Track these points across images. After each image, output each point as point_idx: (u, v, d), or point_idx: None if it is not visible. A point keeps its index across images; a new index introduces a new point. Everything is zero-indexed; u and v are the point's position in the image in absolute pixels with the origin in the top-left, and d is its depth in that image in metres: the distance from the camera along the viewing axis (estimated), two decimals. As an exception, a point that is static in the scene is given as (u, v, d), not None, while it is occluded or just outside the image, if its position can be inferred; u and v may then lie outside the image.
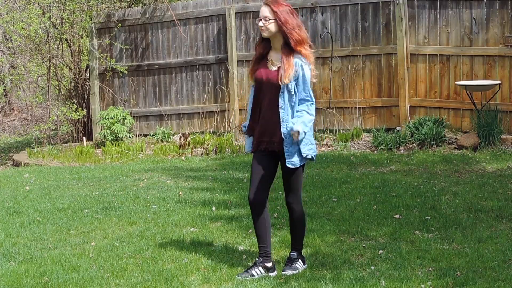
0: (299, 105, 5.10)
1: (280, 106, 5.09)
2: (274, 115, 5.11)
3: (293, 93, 5.07)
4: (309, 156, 5.12)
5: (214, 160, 10.48)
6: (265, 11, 5.08)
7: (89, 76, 13.04)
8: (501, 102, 10.08)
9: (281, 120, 5.09)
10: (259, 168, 5.20)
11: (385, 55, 11.02)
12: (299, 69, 5.05)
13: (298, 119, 5.03)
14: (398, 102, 10.89)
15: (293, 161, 5.08)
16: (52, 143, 13.04)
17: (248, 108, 5.34)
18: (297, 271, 5.23)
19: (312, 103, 5.11)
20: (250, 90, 5.38)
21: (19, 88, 16.50)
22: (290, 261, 5.30)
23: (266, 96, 5.15)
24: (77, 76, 13.36)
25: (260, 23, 5.08)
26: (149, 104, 12.78)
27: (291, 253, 5.33)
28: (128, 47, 12.77)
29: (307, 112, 5.08)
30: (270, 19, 5.05)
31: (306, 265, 5.34)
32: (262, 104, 5.19)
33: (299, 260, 5.32)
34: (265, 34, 5.10)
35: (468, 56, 10.39)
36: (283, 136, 5.08)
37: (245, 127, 5.36)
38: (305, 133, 5.01)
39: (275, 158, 5.21)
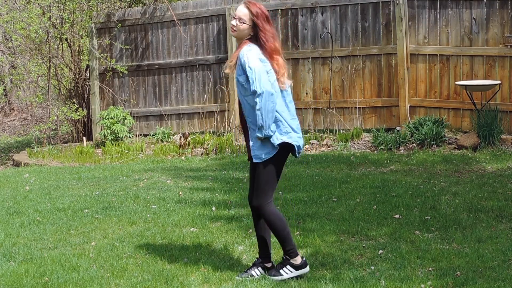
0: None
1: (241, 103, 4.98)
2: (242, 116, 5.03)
3: (245, 86, 4.89)
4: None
5: (214, 160, 10.48)
6: (242, 12, 4.89)
7: (89, 76, 13.04)
8: (501, 102, 10.08)
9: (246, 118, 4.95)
10: (252, 170, 5.20)
11: (385, 55, 11.02)
12: (242, 58, 4.84)
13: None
14: (398, 102, 10.89)
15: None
16: (52, 143, 13.05)
17: None
18: (280, 277, 5.04)
19: (259, 94, 4.76)
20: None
21: (19, 88, 16.50)
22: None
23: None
24: (77, 76, 13.37)
25: (233, 22, 4.91)
26: (149, 104, 12.78)
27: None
28: (128, 47, 12.77)
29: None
30: (244, 22, 4.88)
31: (297, 271, 5.03)
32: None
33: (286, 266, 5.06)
34: (233, 34, 4.96)
35: (468, 56, 10.40)
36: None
37: None
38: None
39: None
